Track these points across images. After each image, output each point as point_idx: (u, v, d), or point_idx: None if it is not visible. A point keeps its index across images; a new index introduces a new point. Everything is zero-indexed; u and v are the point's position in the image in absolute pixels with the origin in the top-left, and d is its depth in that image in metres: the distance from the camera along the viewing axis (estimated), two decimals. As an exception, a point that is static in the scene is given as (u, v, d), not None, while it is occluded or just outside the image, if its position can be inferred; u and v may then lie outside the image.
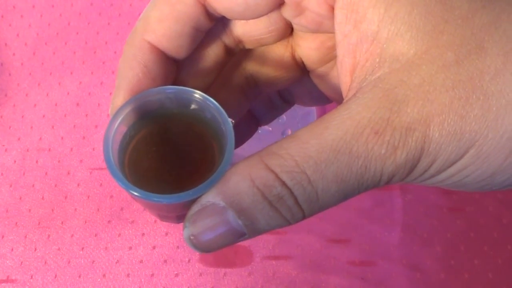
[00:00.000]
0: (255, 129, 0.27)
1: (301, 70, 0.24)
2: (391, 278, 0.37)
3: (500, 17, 0.16)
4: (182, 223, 0.18)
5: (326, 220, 0.39)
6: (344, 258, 0.38)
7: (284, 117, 0.41)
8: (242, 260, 0.38)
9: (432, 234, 0.38)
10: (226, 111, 0.19)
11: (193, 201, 0.18)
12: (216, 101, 0.19)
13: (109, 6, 0.46)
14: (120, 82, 0.20)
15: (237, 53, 0.23)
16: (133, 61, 0.20)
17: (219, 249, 0.18)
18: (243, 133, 0.27)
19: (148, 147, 0.20)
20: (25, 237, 0.38)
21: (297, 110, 0.40)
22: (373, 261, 0.38)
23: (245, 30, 0.22)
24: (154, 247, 0.38)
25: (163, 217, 0.22)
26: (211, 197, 0.17)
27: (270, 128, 0.41)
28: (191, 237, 0.17)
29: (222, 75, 0.24)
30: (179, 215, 0.20)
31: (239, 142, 0.26)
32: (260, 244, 0.38)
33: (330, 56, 0.23)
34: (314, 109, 0.41)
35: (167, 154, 0.21)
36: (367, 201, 0.39)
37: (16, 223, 0.39)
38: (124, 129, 0.20)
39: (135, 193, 0.18)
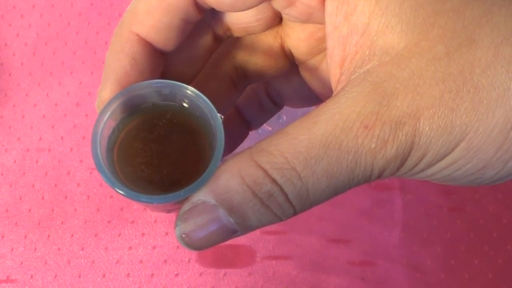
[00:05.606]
0: (246, 133, 0.27)
1: (289, 62, 0.24)
2: (391, 278, 0.37)
3: (492, 10, 0.16)
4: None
5: (326, 220, 0.39)
6: (344, 258, 0.38)
7: (284, 117, 0.41)
8: (242, 260, 0.38)
9: (432, 234, 0.38)
10: (215, 101, 0.18)
11: (184, 199, 0.17)
12: (206, 91, 0.19)
13: (109, 6, 0.46)
14: (107, 75, 0.19)
15: (226, 42, 0.23)
16: (121, 53, 0.19)
17: (211, 247, 0.17)
18: (234, 137, 0.26)
19: (137, 142, 0.20)
20: (25, 237, 0.38)
21: (297, 110, 0.40)
22: (373, 261, 0.38)
23: (232, 17, 0.21)
24: (154, 247, 0.38)
25: (153, 209, 0.21)
26: (202, 195, 0.17)
27: (270, 128, 0.41)
28: (183, 235, 0.17)
29: (211, 63, 0.23)
30: (170, 209, 0.19)
31: (231, 147, 0.26)
32: (260, 244, 0.38)
33: (320, 48, 0.22)
34: (313, 108, 0.41)
35: (157, 149, 0.20)
36: (367, 201, 0.39)
37: (16, 223, 0.39)
38: (112, 124, 0.19)
39: (121, 192, 0.17)
